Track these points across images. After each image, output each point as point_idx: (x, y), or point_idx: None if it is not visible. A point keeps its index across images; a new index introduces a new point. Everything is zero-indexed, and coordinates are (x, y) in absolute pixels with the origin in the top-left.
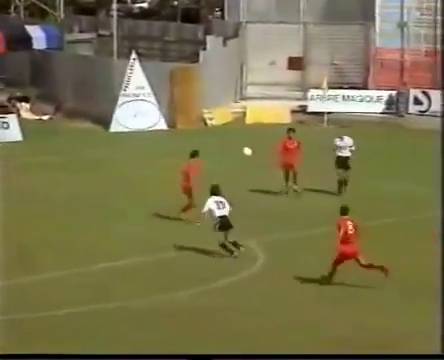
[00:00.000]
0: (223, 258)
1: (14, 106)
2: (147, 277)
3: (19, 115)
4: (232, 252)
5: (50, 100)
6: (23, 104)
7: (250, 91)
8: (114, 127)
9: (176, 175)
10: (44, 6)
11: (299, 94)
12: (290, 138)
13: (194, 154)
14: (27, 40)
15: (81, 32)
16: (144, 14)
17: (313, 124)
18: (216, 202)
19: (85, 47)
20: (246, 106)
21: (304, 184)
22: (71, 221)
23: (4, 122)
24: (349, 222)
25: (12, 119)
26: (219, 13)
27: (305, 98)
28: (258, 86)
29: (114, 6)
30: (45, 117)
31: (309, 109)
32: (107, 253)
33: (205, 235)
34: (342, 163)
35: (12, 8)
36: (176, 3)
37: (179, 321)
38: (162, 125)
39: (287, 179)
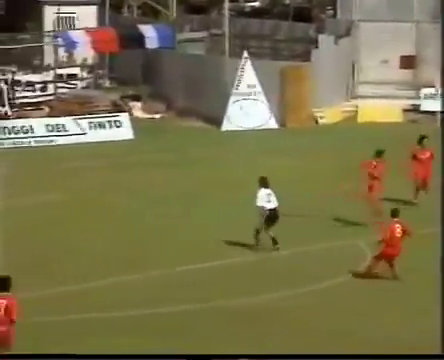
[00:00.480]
0: (332, 257)
1: (126, 105)
2: (251, 276)
3: (131, 114)
4: (258, 242)
5: (162, 99)
6: (135, 103)
7: (362, 90)
8: (226, 126)
9: (287, 174)
10: (156, 5)
11: (411, 93)
12: (423, 147)
13: (379, 153)
14: (139, 39)
15: (192, 31)
16: (256, 13)
17: (426, 123)
18: (267, 194)
19: (197, 46)
20: (358, 105)
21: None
22: (176, 219)
23: (116, 120)
24: (397, 225)
25: (124, 117)
26: (331, 12)
27: (417, 97)
28: (370, 85)
29: (226, 5)
30: (157, 116)
31: (422, 108)
32: (213, 252)
33: (318, 234)
34: None
35: (125, 8)
36: (288, 2)
37: (259, 321)
38: (273, 124)
39: (417, 191)
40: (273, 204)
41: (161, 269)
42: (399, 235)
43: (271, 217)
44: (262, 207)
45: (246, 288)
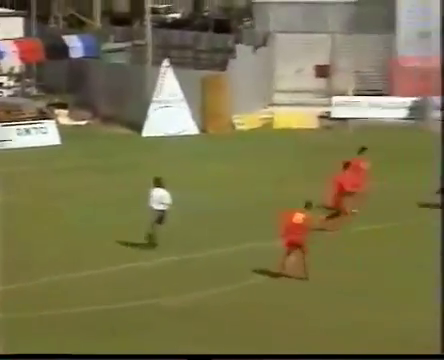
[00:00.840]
0: (256, 257)
1: (52, 112)
2: (179, 275)
3: (57, 121)
4: (154, 245)
5: (87, 106)
6: (61, 110)
7: (278, 98)
8: (146, 132)
9: (212, 177)
10: (82, 17)
11: (325, 100)
12: (362, 158)
13: (346, 165)
14: (64, 49)
15: (116, 42)
16: (177, 24)
17: (339, 129)
18: (160, 196)
19: (120, 56)
20: (274, 112)
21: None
22: (110, 221)
23: (42, 127)
24: (300, 214)
25: (50, 124)
26: (249, 23)
27: (331, 104)
28: (286, 93)
29: (148, 17)
30: (82, 122)
31: (333, 115)
32: (143, 252)
33: (244, 235)
34: None
35: (52, 19)
36: (207, 14)
37: (192, 319)
38: (194, 130)
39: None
40: (163, 205)
41: (98, 268)
42: (300, 222)
43: (159, 218)
44: (152, 207)
45: (175, 287)
